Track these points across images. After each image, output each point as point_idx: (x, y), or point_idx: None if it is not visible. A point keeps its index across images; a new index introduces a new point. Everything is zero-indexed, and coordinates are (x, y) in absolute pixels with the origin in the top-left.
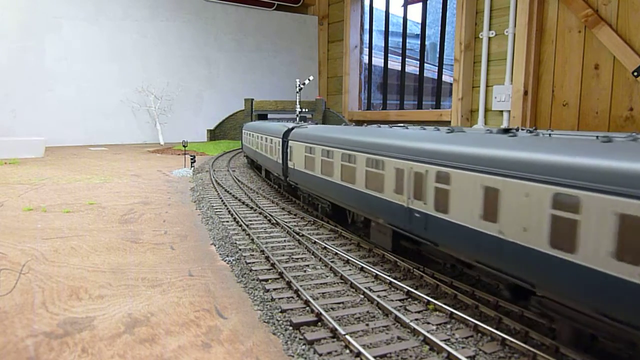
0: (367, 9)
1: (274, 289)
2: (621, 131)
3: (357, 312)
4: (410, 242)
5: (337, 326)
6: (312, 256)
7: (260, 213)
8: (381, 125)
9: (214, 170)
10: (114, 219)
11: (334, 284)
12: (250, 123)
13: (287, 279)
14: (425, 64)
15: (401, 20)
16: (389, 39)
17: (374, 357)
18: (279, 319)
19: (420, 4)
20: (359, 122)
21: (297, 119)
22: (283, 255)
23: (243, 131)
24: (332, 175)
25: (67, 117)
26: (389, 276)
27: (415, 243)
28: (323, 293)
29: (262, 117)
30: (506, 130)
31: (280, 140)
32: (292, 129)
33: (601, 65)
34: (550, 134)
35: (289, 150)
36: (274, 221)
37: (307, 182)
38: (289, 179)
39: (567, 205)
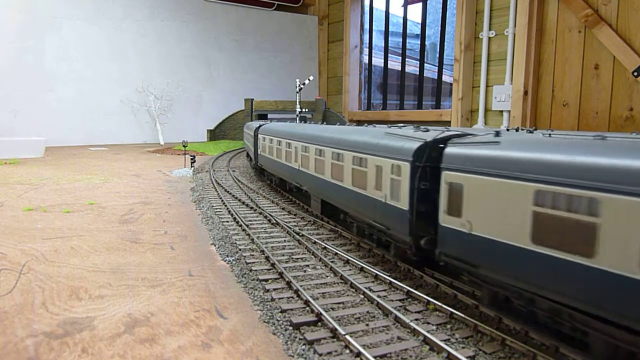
0: (367, 9)
1: (274, 289)
2: (621, 131)
3: (357, 312)
4: None
5: (337, 326)
6: (312, 256)
7: (260, 213)
8: None
9: (214, 170)
10: (114, 219)
11: (334, 284)
12: (273, 125)
13: (287, 279)
14: (425, 64)
15: (401, 20)
16: (389, 39)
17: (374, 357)
18: (279, 319)
19: (420, 4)
20: (359, 123)
21: (298, 119)
22: (283, 255)
23: (259, 136)
24: None
25: (67, 117)
26: (389, 276)
27: None
28: (323, 293)
29: (262, 117)
30: None
31: (405, 165)
32: (436, 142)
33: (601, 65)
34: None
35: (446, 189)
36: (274, 221)
37: (528, 272)
38: (442, 251)
39: None
